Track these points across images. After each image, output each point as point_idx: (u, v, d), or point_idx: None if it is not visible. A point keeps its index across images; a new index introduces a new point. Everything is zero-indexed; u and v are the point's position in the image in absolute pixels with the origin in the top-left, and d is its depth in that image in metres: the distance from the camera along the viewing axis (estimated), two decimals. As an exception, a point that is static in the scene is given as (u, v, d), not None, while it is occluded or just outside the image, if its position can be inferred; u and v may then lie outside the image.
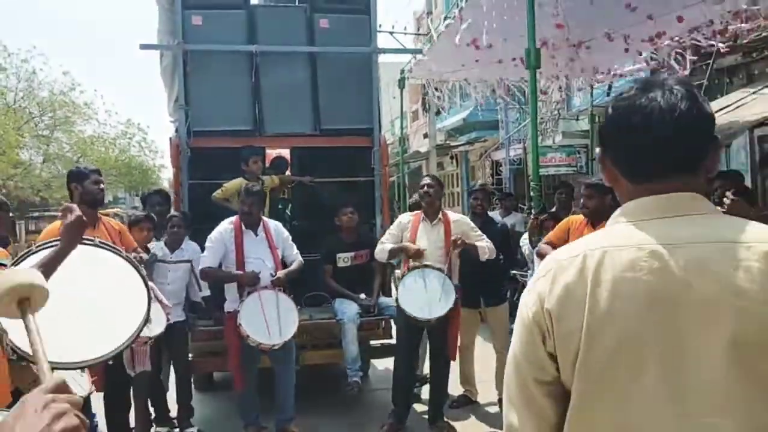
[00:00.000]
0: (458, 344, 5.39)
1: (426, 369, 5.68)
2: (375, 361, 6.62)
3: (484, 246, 5.10)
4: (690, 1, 5.72)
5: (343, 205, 5.84)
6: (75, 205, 2.45)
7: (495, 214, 7.51)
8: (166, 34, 6.41)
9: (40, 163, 27.69)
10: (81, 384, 2.97)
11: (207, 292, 5.32)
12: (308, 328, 5.26)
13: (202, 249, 5.28)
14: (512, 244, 6.38)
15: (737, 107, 6.82)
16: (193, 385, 5.49)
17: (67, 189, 4.36)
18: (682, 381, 1.10)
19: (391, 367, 5.33)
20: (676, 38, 6.63)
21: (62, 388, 0.89)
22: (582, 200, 4.72)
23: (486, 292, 5.62)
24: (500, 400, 5.54)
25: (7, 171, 22.07)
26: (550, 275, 1.22)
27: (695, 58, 6.88)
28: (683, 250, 1.13)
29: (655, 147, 1.19)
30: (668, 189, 1.19)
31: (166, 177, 41.20)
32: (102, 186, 4.32)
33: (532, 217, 5.79)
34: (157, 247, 5.14)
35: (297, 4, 6.68)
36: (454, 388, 5.75)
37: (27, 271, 1.40)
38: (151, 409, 5.08)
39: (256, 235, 4.91)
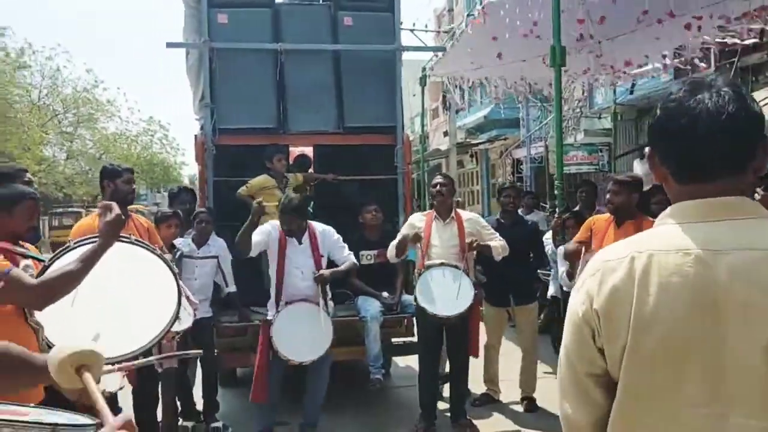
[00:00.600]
0: (482, 342, 5.40)
1: (446, 367, 5.70)
2: (396, 359, 6.65)
3: (498, 245, 5.14)
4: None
5: (366, 203, 5.88)
6: (114, 204, 2.50)
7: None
8: (191, 32, 6.47)
9: (64, 160, 28.09)
10: (113, 379, 3.02)
11: (233, 288, 5.37)
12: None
13: (229, 245, 5.35)
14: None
15: (763, 105, 6.73)
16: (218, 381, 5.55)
17: (99, 186, 4.44)
18: (722, 384, 1.14)
19: (413, 365, 5.35)
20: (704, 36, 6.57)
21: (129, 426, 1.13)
22: (609, 195, 4.68)
23: (516, 290, 5.62)
24: (523, 399, 5.60)
25: (31, 167, 22.36)
26: (598, 275, 1.26)
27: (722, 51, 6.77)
28: (728, 257, 1.16)
29: (703, 149, 1.21)
30: (717, 190, 1.21)
31: (187, 174, 41.62)
32: (134, 186, 4.41)
33: (555, 216, 5.77)
34: (184, 243, 5.20)
35: (321, 2, 6.72)
36: (477, 386, 5.76)
37: (88, 343, 1.51)
38: (178, 403, 5.15)
39: (300, 243, 4.86)
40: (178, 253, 4.99)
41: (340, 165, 6.34)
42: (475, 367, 5.64)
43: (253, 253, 4.79)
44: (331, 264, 5.01)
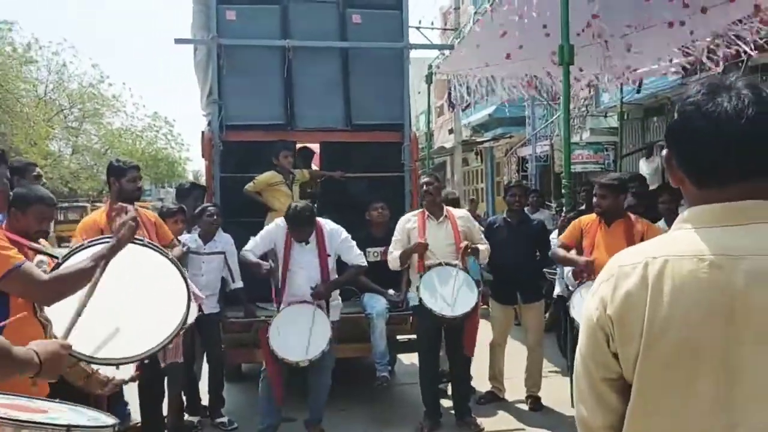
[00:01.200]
0: (487, 340, 5.41)
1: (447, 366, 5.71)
2: (401, 356, 6.66)
3: (484, 249, 5.18)
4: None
5: (373, 200, 5.87)
6: (131, 207, 2.54)
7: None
8: (199, 28, 6.48)
9: (69, 155, 28.17)
10: (125, 369, 3.05)
11: (240, 284, 5.37)
12: (338, 321, 5.30)
13: (235, 241, 5.35)
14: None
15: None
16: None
17: (106, 181, 4.45)
18: (738, 388, 1.12)
19: (417, 362, 5.35)
20: (711, 37, 6.56)
21: None
22: (595, 200, 4.72)
23: (523, 289, 5.61)
24: (528, 398, 5.60)
25: (37, 162, 22.43)
26: (612, 281, 1.24)
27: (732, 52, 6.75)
28: (745, 262, 1.14)
29: (722, 153, 1.18)
30: (735, 195, 1.19)
31: (191, 169, 41.69)
32: (139, 184, 4.42)
33: (562, 215, 5.76)
34: (191, 239, 5.21)
35: (330, -1, 6.72)
36: (482, 384, 5.77)
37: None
38: (184, 399, 5.16)
39: (307, 243, 4.81)
40: (185, 248, 5.00)
41: (348, 162, 6.35)
42: (481, 365, 5.65)
43: (256, 256, 4.80)
44: (341, 264, 5.00)
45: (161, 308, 2.73)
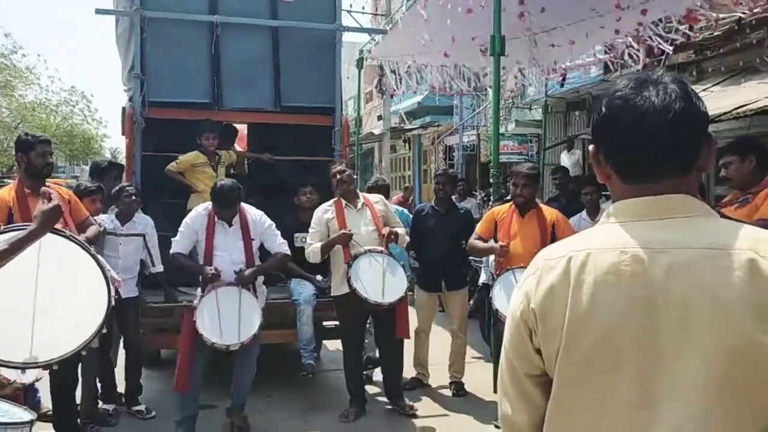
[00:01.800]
0: (412, 326, 5.43)
1: (376, 352, 5.71)
2: (327, 342, 6.62)
3: (402, 233, 5.20)
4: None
5: (301, 184, 5.77)
6: (55, 193, 2.39)
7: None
8: (123, -1, 6.17)
9: (-24, 128, 26.47)
10: (30, 372, 2.88)
11: (161, 268, 5.17)
12: (263, 308, 5.19)
13: (156, 223, 5.15)
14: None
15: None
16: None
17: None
18: (658, 384, 1.11)
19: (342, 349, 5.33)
20: (632, 33, 6.76)
21: None
22: (519, 189, 4.83)
23: (448, 276, 5.66)
24: (451, 383, 5.67)
25: (-61, 134, 21.09)
26: (537, 274, 1.24)
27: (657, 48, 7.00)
28: (666, 255, 1.13)
29: (649, 148, 1.18)
30: (661, 190, 1.18)
31: (109, 147, 40.05)
32: (50, 159, 4.16)
33: (490, 204, 5.84)
34: (107, 219, 4.98)
35: (261, -25, 6.52)
36: (407, 370, 5.79)
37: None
38: (98, 386, 4.94)
39: (230, 225, 4.65)
40: (102, 228, 4.76)
41: (276, 145, 6.22)
42: (406, 352, 5.67)
43: (189, 248, 4.66)
44: (263, 251, 4.88)
45: (81, 306, 2.64)
